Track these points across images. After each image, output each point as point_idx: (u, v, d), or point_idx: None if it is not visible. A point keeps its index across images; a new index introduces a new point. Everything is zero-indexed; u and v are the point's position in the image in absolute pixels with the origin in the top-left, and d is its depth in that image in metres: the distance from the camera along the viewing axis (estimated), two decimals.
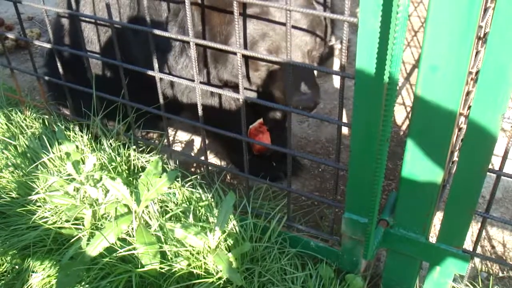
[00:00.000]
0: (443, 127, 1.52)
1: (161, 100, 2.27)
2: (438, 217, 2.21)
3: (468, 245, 2.36)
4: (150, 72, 2.18)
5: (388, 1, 1.33)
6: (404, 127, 3.19)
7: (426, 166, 1.62)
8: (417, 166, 1.64)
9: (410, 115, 2.79)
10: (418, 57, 3.61)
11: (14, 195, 2.48)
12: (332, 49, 3.74)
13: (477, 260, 2.33)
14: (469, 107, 1.50)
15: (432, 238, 1.88)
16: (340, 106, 1.77)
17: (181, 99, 2.65)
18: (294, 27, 2.24)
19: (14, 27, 4.59)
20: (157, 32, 2.03)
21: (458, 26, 1.31)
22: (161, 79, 2.31)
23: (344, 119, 3.16)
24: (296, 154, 2.07)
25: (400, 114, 3.30)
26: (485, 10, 1.79)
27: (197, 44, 2.05)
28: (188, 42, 2.28)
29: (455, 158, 1.98)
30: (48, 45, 2.51)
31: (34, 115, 2.86)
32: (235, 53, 2.14)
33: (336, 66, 3.69)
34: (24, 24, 2.67)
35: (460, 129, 1.95)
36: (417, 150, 1.60)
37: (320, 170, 2.92)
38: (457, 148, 1.88)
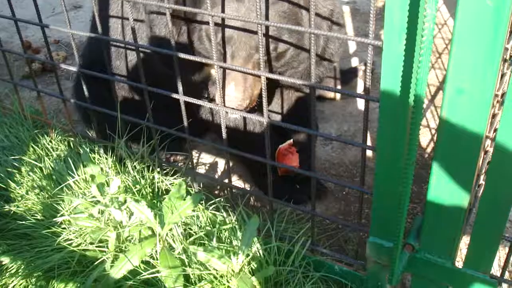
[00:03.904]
0: (469, 150, 1.50)
1: (185, 123, 2.28)
2: (465, 241, 2.18)
3: (495, 270, 2.32)
4: (174, 95, 2.19)
5: (413, 24, 1.32)
6: (429, 150, 3.16)
7: (452, 190, 1.60)
8: (443, 189, 1.62)
9: (435, 138, 2.76)
10: (442, 79, 3.60)
11: (39, 217, 2.50)
12: (356, 71, 3.74)
13: (504, 286, 2.29)
14: (495, 130, 1.49)
15: (459, 263, 1.85)
16: (364, 129, 1.76)
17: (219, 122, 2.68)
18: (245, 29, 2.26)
19: (41, 50, 4.67)
20: (182, 55, 2.05)
21: (484, 49, 1.30)
22: (201, 106, 2.31)
23: (368, 142, 3.14)
24: (320, 177, 2.06)
25: (425, 137, 3.27)
26: (511, 32, 1.78)
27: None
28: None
29: (481, 181, 1.96)
30: (74, 69, 2.55)
31: (60, 137, 2.89)
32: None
33: (360, 88, 3.68)
34: (50, 47, 2.72)
35: (486, 152, 1.92)
36: (443, 173, 1.58)
37: (344, 193, 2.90)
38: (483, 171, 1.86)
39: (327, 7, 2.42)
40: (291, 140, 2.87)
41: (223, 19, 2.26)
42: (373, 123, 3.21)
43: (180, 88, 2.17)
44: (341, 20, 2.54)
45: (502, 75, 1.87)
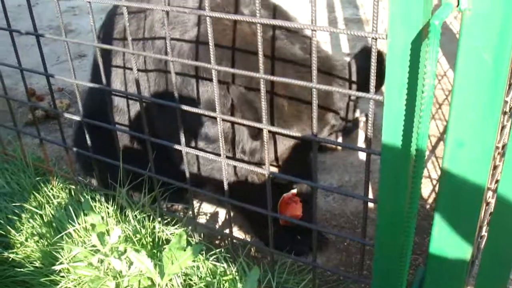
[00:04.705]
0: (471, 202, 1.50)
1: (187, 174, 2.29)
2: None
3: None
4: (177, 147, 2.21)
5: (413, 80, 1.34)
6: (430, 201, 3.16)
7: (454, 242, 1.60)
8: (445, 241, 1.62)
9: (436, 189, 2.75)
10: (443, 130, 3.62)
11: (38, 264, 2.49)
12: (357, 121, 3.76)
13: None
14: (497, 181, 1.49)
15: None
16: (366, 181, 1.77)
17: (203, 175, 2.67)
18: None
19: (45, 97, 4.70)
20: (186, 108, 2.07)
21: (483, 102, 1.32)
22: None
23: (370, 192, 3.14)
24: (321, 229, 2.05)
25: (426, 188, 3.27)
26: (510, 85, 1.80)
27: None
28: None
29: (484, 233, 1.95)
30: (77, 118, 2.57)
31: (61, 184, 2.89)
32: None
33: (361, 139, 3.69)
34: (54, 95, 2.75)
35: (488, 204, 1.92)
36: (445, 225, 1.58)
37: (345, 244, 2.89)
38: (485, 222, 1.86)
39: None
40: (295, 190, 2.87)
41: None
42: (374, 174, 3.21)
43: (183, 139, 2.18)
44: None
45: (503, 127, 1.89)
